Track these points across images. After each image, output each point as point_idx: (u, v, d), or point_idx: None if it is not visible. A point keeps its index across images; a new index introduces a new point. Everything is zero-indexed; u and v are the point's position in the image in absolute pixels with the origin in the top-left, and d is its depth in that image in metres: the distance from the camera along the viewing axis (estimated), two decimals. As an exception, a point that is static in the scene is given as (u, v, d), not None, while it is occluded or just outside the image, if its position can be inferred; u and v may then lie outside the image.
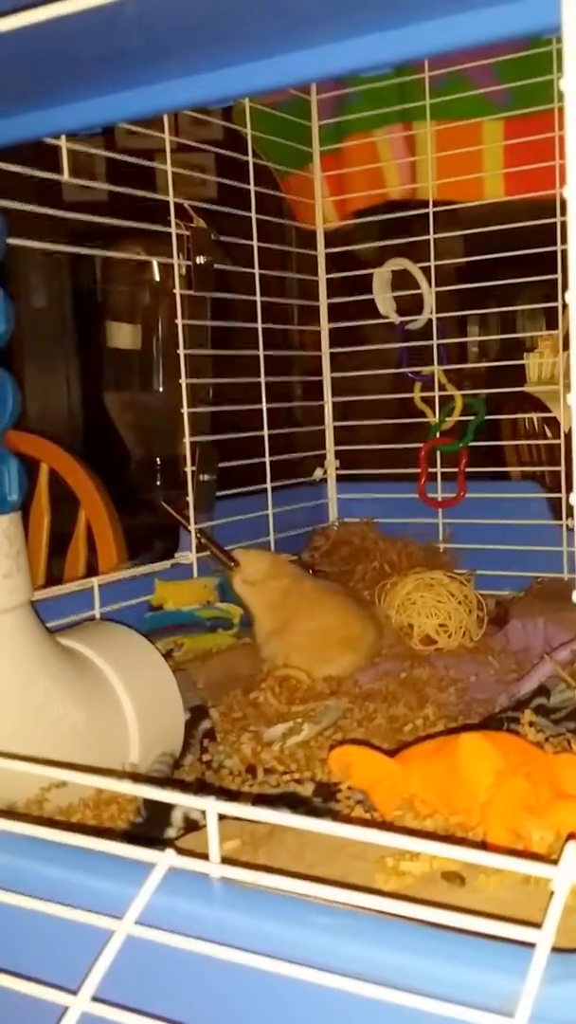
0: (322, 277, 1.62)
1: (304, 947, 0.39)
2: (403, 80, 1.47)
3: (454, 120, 1.46)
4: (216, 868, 0.43)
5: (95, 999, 0.38)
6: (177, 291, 1.25)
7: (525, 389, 1.48)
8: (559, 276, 1.37)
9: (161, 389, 1.27)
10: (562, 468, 1.41)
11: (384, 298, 1.54)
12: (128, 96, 0.81)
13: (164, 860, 0.43)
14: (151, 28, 0.69)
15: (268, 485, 1.44)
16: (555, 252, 1.35)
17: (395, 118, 1.52)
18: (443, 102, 1.45)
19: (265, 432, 1.43)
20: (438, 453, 1.50)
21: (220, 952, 0.40)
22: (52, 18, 0.59)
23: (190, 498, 1.28)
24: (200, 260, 1.28)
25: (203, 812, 0.71)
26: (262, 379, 1.42)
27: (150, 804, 0.74)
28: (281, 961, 0.38)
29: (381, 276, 1.54)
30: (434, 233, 1.47)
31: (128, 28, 0.69)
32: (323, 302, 1.62)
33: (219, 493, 1.34)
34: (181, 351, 1.26)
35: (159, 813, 0.73)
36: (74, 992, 0.39)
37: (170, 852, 0.44)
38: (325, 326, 1.63)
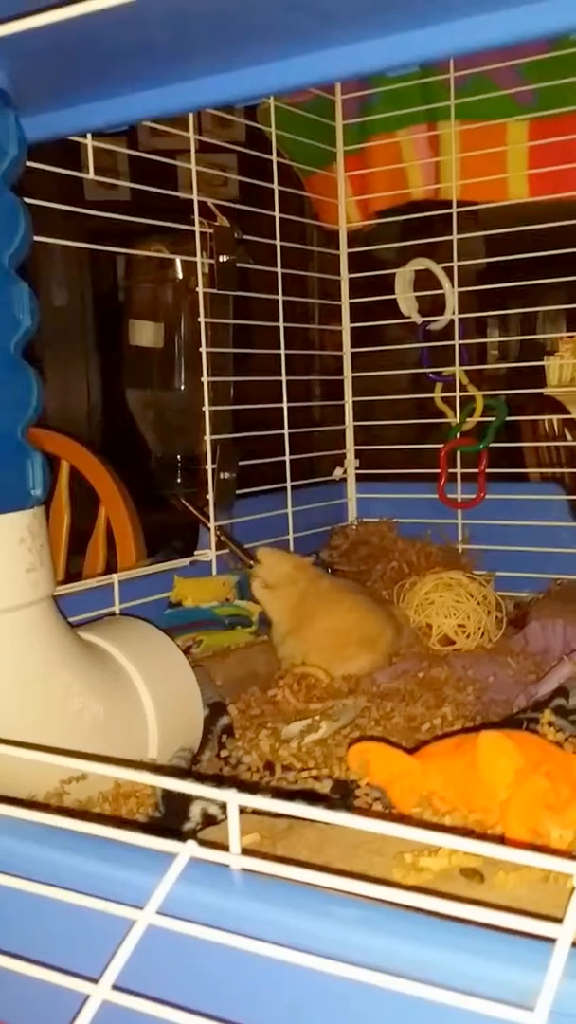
0: (344, 277, 1.62)
1: (324, 939, 0.39)
2: (427, 80, 1.47)
3: (478, 120, 1.45)
4: (236, 859, 0.44)
5: (116, 988, 0.39)
6: (200, 289, 1.25)
7: (545, 391, 1.48)
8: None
9: (183, 387, 1.28)
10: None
11: (406, 298, 1.54)
12: (156, 93, 0.82)
13: (185, 851, 0.44)
14: (177, 25, 0.69)
15: (288, 484, 1.44)
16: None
17: (419, 118, 1.52)
18: (468, 102, 1.45)
19: (285, 431, 1.43)
20: (458, 454, 1.50)
21: (240, 942, 0.40)
22: (80, 15, 0.59)
23: (210, 496, 1.29)
24: (223, 258, 1.28)
25: (222, 806, 0.72)
26: (283, 378, 1.43)
27: (168, 798, 0.74)
28: (301, 952, 0.38)
29: (404, 276, 1.54)
30: (456, 234, 1.47)
31: (155, 25, 0.70)
32: (345, 302, 1.62)
33: (239, 491, 1.35)
34: (203, 349, 1.26)
35: (177, 807, 0.73)
36: (95, 981, 0.39)
37: (191, 843, 0.44)
38: (347, 326, 1.63)
